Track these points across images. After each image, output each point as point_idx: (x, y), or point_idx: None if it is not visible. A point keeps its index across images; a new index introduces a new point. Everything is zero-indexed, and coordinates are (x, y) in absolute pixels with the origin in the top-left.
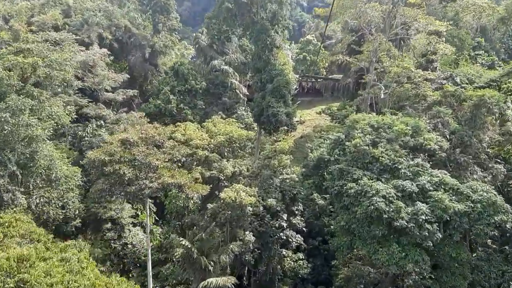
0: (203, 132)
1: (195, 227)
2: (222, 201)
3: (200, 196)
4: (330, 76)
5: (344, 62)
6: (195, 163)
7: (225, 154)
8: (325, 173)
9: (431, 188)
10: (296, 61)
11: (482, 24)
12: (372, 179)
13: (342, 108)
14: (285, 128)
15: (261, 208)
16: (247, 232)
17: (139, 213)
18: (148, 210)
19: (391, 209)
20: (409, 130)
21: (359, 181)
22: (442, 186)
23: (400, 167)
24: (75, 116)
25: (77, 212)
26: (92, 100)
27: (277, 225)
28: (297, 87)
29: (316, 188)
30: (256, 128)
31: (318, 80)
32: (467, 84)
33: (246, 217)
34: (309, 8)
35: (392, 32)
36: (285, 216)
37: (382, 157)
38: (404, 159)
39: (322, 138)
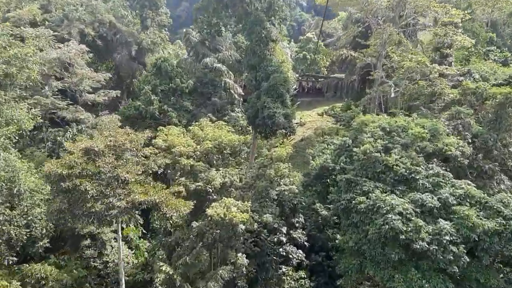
0: (188, 138)
1: (179, 248)
2: (209, 218)
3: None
4: (332, 76)
5: (348, 57)
6: (178, 173)
7: (214, 162)
8: (328, 180)
9: (454, 202)
10: (295, 60)
11: (493, 18)
12: (385, 192)
13: (347, 108)
14: (283, 131)
15: (256, 226)
16: (239, 254)
17: (124, 226)
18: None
19: (409, 229)
20: (427, 133)
21: (370, 194)
22: (467, 200)
23: (417, 177)
24: (57, 120)
25: (44, 231)
26: (73, 103)
27: (275, 240)
28: (297, 87)
29: (319, 197)
30: (252, 132)
31: (319, 79)
32: (481, 81)
33: (238, 237)
34: (309, 8)
35: (402, 24)
36: (284, 229)
37: (396, 165)
38: (422, 168)
39: (325, 142)
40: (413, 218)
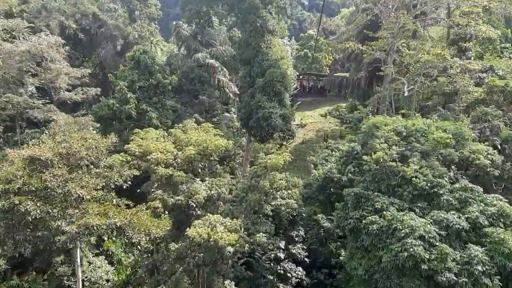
0: (169, 142)
1: (157, 273)
2: (190, 239)
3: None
4: (334, 74)
5: (354, 51)
6: (155, 185)
7: (200, 171)
8: (333, 194)
9: (486, 223)
10: (296, 59)
11: (506, 14)
12: (402, 210)
13: (353, 109)
14: (281, 134)
15: (247, 247)
16: (227, 282)
17: (105, 238)
18: None
19: (433, 256)
20: (451, 139)
21: (385, 212)
22: (501, 219)
23: (441, 192)
24: (35, 120)
25: None
26: (51, 101)
27: (272, 256)
28: (297, 87)
29: (321, 206)
30: (246, 135)
31: (321, 79)
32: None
33: (225, 260)
34: (310, 7)
35: (416, 13)
36: (282, 244)
37: (415, 177)
38: (445, 180)
39: (329, 148)
40: (437, 243)
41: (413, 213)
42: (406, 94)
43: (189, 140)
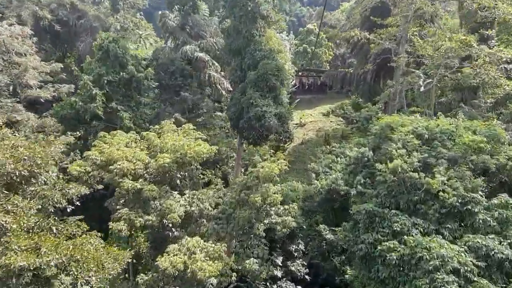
0: (142, 147)
1: None
2: (162, 270)
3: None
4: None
5: (360, 40)
6: (121, 201)
7: (178, 182)
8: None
9: None
10: (295, 54)
11: None
12: (427, 233)
13: (356, 106)
14: (277, 136)
15: (234, 278)
16: None
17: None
18: None
19: None
20: (484, 143)
21: (406, 237)
22: None
23: (475, 209)
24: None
25: None
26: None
27: (265, 273)
28: (296, 83)
29: (323, 214)
30: (237, 137)
31: (320, 75)
32: None
33: None
34: (309, 3)
35: None
36: (279, 260)
37: (443, 191)
38: (480, 195)
39: (333, 153)
40: (475, 279)
41: (441, 236)
42: (422, 89)
43: (164, 146)
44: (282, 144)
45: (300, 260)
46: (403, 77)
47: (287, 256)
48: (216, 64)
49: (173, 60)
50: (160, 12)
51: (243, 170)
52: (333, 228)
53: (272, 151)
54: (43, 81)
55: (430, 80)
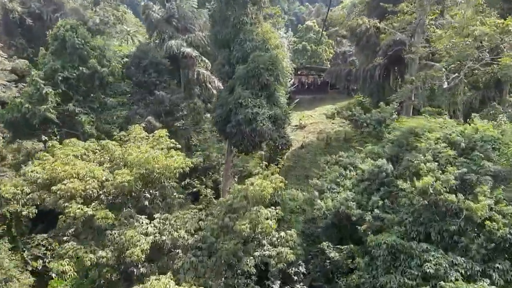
0: (97, 161)
1: None
2: None
3: None
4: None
5: (369, 30)
6: (70, 230)
7: (147, 204)
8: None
9: None
10: (294, 52)
11: None
12: (471, 276)
13: (366, 107)
14: (272, 143)
15: None
16: None
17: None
18: None
19: None
20: None
21: (443, 283)
22: None
23: None
24: None
25: None
26: None
27: None
28: (295, 83)
29: (326, 231)
30: (226, 144)
31: (321, 74)
32: None
33: None
34: (309, 2)
35: None
36: (277, 285)
37: (491, 220)
38: None
39: (339, 164)
40: None
41: (489, 280)
42: (445, 85)
43: (127, 158)
44: (278, 154)
45: (301, 284)
46: (422, 71)
47: (285, 280)
48: (206, 60)
49: (146, 52)
50: (143, 3)
51: (236, 179)
52: (338, 246)
53: (264, 163)
54: (12, 80)
55: (456, 74)
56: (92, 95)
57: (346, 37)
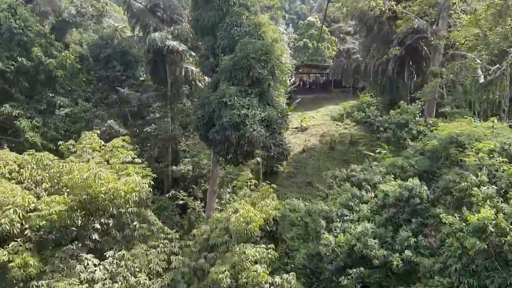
0: (31, 180)
1: None
2: None
3: None
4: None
5: (382, 17)
6: None
7: (96, 237)
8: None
9: None
10: (294, 50)
11: None
12: None
13: (377, 108)
14: (265, 153)
15: None
16: None
17: None
18: None
19: None
20: None
21: None
22: None
23: None
24: None
25: None
26: None
27: None
28: (296, 81)
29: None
30: (211, 153)
31: (323, 72)
32: None
33: None
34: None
35: None
36: None
37: None
38: None
39: (352, 180)
40: None
41: None
42: (481, 80)
43: (61, 178)
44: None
45: None
46: (456, 62)
47: None
48: (194, 55)
49: (107, 41)
50: None
51: (230, 189)
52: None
53: (253, 181)
54: None
55: (497, 66)
56: (38, 93)
57: (349, 34)
